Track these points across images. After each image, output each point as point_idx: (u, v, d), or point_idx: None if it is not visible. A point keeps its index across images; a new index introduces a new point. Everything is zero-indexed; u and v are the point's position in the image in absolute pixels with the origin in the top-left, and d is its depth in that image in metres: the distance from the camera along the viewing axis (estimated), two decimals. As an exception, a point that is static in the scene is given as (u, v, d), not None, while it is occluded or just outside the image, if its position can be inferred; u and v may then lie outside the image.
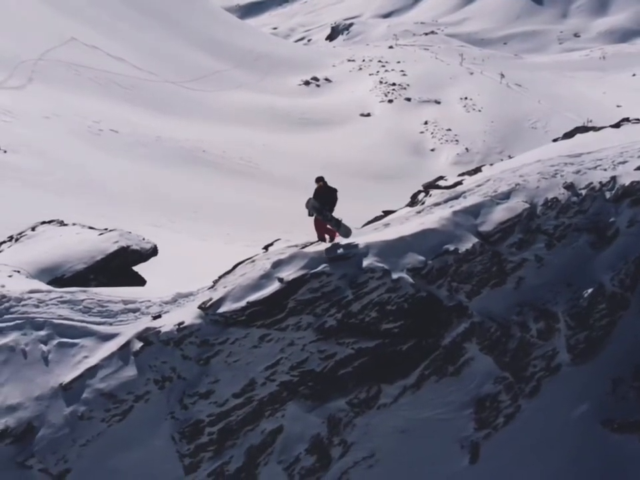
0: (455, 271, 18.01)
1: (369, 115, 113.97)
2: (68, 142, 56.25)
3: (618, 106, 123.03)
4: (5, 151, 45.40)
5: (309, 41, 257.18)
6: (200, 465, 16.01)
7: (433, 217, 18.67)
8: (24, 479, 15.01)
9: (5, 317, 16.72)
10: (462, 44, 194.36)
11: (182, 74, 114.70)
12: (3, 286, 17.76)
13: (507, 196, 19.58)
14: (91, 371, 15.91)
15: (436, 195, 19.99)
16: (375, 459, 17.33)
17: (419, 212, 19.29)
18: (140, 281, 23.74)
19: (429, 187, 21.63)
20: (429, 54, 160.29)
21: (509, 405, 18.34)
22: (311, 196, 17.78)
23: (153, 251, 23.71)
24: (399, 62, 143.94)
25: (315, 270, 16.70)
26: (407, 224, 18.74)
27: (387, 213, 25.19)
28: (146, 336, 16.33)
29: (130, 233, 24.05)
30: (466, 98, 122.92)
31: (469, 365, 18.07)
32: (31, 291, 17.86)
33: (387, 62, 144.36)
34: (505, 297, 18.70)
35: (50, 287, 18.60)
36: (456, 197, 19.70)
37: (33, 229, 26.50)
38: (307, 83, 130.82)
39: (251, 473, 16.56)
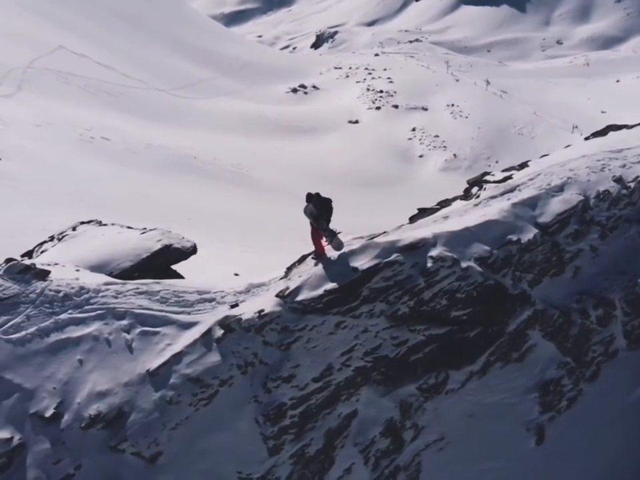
0: (518, 260, 18.58)
1: (357, 122, 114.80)
2: (61, 150, 55.99)
3: (603, 112, 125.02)
4: (0, 159, 45.66)
5: (293, 48, 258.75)
6: (283, 447, 16.46)
7: (493, 209, 19.30)
8: (117, 463, 15.52)
9: (86, 307, 17.24)
10: (446, 51, 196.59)
11: (170, 82, 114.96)
12: (77, 279, 18.43)
13: (560, 189, 20.26)
14: (177, 357, 16.36)
15: (491, 188, 20.78)
16: (445, 442, 17.94)
17: (476, 205, 19.96)
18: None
19: (475, 182, 22.55)
20: (414, 61, 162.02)
21: (571, 388, 18.90)
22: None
23: (193, 249, 24.21)
24: (385, 69, 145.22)
25: (388, 259, 17.22)
26: (466, 216, 19.29)
27: (421, 210, 26.07)
28: (228, 323, 16.81)
29: (170, 232, 24.76)
30: (452, 105, 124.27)
31: (532, 351, 18.61)
32: (107, 283, 18.46)
33: (373, 69, 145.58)
34: (564, 285, 19.42)
35: (122, 280, 19.33)
36: (511, 190, 20.29)
37: (74, 228, 27.04)
38: (294, 91, 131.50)
39: (329, 455, 17.08)
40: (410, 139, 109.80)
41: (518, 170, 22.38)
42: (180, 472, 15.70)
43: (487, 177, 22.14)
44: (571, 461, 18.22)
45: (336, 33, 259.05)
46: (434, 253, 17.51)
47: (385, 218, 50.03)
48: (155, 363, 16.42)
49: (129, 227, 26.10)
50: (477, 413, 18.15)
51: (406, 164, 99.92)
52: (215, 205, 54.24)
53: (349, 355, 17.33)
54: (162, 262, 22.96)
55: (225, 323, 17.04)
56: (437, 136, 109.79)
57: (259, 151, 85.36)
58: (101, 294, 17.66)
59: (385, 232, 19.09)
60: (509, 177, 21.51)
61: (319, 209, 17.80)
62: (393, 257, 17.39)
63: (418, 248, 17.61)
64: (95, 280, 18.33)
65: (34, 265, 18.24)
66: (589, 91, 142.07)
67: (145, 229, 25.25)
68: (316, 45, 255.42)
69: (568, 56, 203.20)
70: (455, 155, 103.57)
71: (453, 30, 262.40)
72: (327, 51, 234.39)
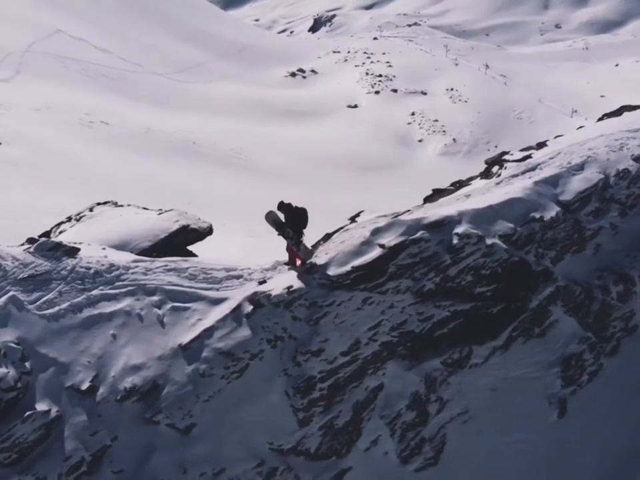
0: (541, 237, 18.81)
1: (356, 106, 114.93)
2: (61, 134, 55.96)
3: (602, 96, 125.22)
4: (0, 143, 45.76)
5: (291, 32, 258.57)
6: (312, 418, 16.72)
7: (515, 187, 19.46)
8: (152, 434, 15.88)
9: (117, 283, 17.51)
10: (445, 35, 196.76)
11: (167, 65, 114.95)
12: (105, 256, 18.79)
13: (580, 167, 20.44)
14: (208, 332, 16.58)
15: (511, 167, 21.07)
16: (468, 415, 18.23)
17: (498, 183, 20.20)
18: (195, 261, 24.66)
19: (494, 162, 22.90)
20: (413, 45, 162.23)
21: (592, 363, 19.14)
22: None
23: (210, 230, 24.61)
24: (384, 53, 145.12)
25: (414, 236, 17.48)
26: (489, 194, 19.46)
27: (436, 191, 26.48)
28: (257, 299, 17.13)
29: (187, 213, 25.13)
30: (452, 89, 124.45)
31: (554, 326, 18.88)
32: (135, 260, 18.79)
33: (372, 53, 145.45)
34: (585, 262, 19.63)
35: (150, 258, 19.71)
36: (532, 169, 20.45)
37: (91, 209, 27.35)
38: (292, 75, 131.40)
39: (356, 427, 17.33)
40: (409, 123, 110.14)
41: (536, 149, 22.71)
42: (214, 443, 16.02)
43: (506, 157, 22.52)
44: (592, 433, 18.61)
45: (334, 16, 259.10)
46: (459, 230, 17.75)
47: (385, 202, 50.40)
48: (186, 337, 16.73)
49: (144, 208, 26.47)
50: (500, 386, 18.52)
51: (405, 148, 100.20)
52: (215, 189, 54.31)
53: (376, 330, 17.63)
54: (179, 242, 23.15)
55: (254, 298, 17.35)
56: (437, 120, 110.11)
57: (258, 135, 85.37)
58: (130, 271, 17.94)
59: (408, 210, 19.47)
60: (529, 156, 21.83)
61: (288, 219, 18.03)
62: (419, 234, 17.62)
63: (443, 225, 17.85)
64: (123, 257, 18.64)
65: (62, 242, 18.58)
66: (588, 75, 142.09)
67: (160, 209, 25.63)
68: (313, 29, 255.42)
69: (566, 40, 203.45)
70: (454, 139, 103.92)
71: (452, 14, 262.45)
72: (324, 34, 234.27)
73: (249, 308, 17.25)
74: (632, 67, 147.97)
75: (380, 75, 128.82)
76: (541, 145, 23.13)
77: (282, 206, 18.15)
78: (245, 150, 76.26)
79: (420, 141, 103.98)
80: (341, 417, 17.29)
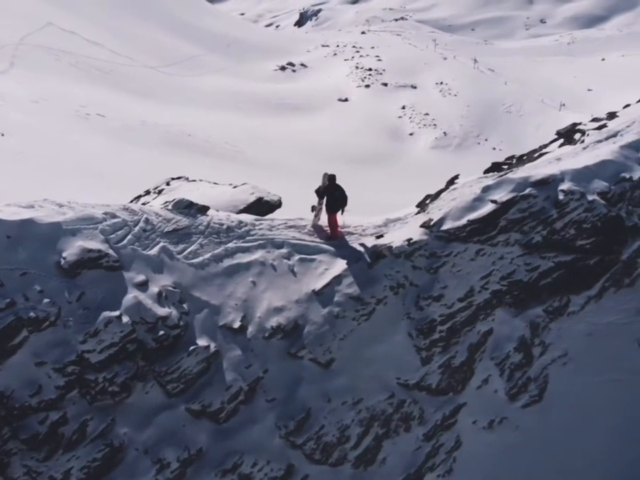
0: (630, 196, 20.40)
1: (346, 100, 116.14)
2: (61, 126, 56.27)
3: (589, 90, 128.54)
4: (3, 134, 46.76)
5: (277, 27, 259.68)
6: (432, 358, 18.41)
7: (603, 150, 20.98)
8: (297, 368, 17.40)
9: (247, 238, 19.06)
10: (432, 30, 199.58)
11: (158, 59, 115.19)
12: (229, 215, 20.67)
13: (658, 133, 22.79)
14: (337, 279, 18.21)
15: (594, 134, 23.12)
16: (567, 357, 19.84)
17: (584, 148, 22.06)
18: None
19: (568, 132, 24.84)
20: (401, 39, 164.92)
21: None
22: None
23: (279, 203, 26.54)
24: (372, 47, 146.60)
25: (523, 192, 19.15)
26: (579, 157, 21.08)
27: (494, 164, 28.56)
28: (379, 250, 18.92)
29: (258, 186, 27.05)
30: (441, 83, 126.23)
31: None
32: (257, 219, 20.73)
33: (361, 47, 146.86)
34: (670, 218, 22.16)
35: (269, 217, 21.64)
36: (614, 135, 21.91)
37: (167, 183, 29.12)
38: (282, 68, 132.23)
39: (470, 367, 18.93)
40: (400, 117, 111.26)
41: (608, 119, 24.92)
42: (351, 376, 17.56)
43: (579, 127, 24.69)
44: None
45: (319, 10, 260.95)
46: (564, 187, 19.38)
47: (380, 195, 52.23)
48: (318, 284, 18.32)
49: (215, 183, 28.41)
50: (595, 331, 20.46)
51: (397, 142, 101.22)
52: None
53: (487, 279, 19.29)
54: (254, 214, 24.86)
55: (375, 250, 19.30)
56: (427, 114, 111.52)
57: (251, 129, 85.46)
58: (257, 227, 19.58)
59: (510, 170, 21.61)
60: (604, 125, 23.96)
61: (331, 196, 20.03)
62: (527, 190, 19.20)
63: (548, 183, 19.41)
64: (244, 217, 20.60)
65: (193, 201, 20.34)
66: (575, 69, 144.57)
67: (231, 184, 27.55)
68: (299, 23, 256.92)
69: (552, 35, 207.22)
70: (445, 132, 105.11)
71: (437, 8, 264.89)
72: (310, 29, 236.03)
73: (371, 259, 19.21)
74: (618, 61, 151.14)
75: (370, 69, 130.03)
76: (612, 116, 25.12)
77: (331, 179, 20.25)
78: (240, 143, 77.11)
79: (411, 134, 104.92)
80: (457, 357, 18.99)
